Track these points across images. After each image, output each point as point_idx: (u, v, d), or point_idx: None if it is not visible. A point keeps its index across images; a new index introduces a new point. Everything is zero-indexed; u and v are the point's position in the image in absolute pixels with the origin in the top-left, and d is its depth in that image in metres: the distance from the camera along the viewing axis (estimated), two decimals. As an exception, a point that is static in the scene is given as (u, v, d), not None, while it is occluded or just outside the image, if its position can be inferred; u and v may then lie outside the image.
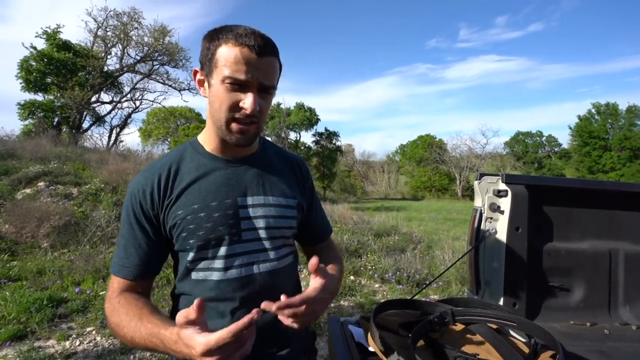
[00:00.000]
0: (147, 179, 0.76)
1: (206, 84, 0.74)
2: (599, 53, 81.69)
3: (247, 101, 0.69)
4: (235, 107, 0.70)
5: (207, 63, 0.72)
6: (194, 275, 0.77)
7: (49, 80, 12.69)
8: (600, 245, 1.48)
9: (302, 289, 0.86)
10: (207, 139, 0.80)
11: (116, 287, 0.75)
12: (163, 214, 0.76)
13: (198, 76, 0.76)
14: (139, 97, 15.47)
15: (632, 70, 70.92)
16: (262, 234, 0.79)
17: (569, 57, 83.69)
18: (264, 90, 0.72)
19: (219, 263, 0.76)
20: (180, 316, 0.56)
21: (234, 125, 0.72)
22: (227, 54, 0.68)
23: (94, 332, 2.60)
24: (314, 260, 0.64)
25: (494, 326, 1.08)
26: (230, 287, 0.75)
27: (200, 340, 0.54)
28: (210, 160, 0.79)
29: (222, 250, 0.76)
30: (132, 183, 0.77)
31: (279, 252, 0.82)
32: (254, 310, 0.54)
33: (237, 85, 0.69)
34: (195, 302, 0.54)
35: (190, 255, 0.76)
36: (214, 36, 0.71)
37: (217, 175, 0.78)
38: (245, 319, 0.53)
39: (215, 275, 0.76)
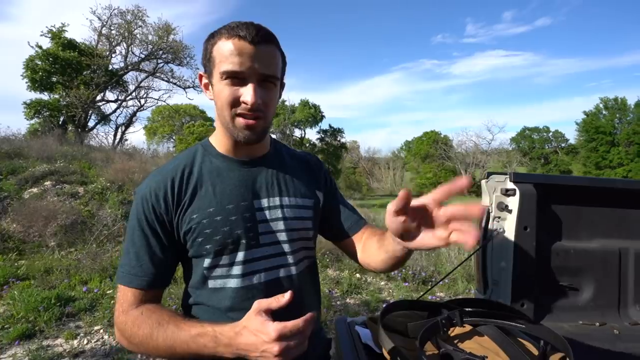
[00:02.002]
0: (159, 182, 0.72)
1: (210, 86, 0.72)
2: (608, 47, 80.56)
3: (247, 93, 0.66)
4: (236, 102, 0.67)
5: (207, 64, 0.70)
6: (211, 283, 0.73)
7: (54, 79, 12.81)
8: (610, 244, 1.46)
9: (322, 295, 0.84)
10: (219, 141, 0.78)
11: (130, 299, 0.69)
12: (177, 219, 0.72)
13: (203, 80, 0.74)
14: (144, 96, 15.58)
15: (642, 63, 69.74)
16: (281, 236, 0.76)
17: (577, 52, 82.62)
18: (266, 80, 0.68)
19: (237, 269, 0.72)
20: (263, 303, 0.58)
21: (239, 121, 0.69)
22: (221, 48, 0.66)
23: (101, 330, 2.63)
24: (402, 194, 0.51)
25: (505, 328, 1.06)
26: (250, 294, 0.71)
27: (275, 326, 0.55)
28: (222, 161, 0.76)
29: (240, 256, 0.72)
30: (143, 187, 0.73)
31: (297, 255, 0.79)
32: (309, 314, 0.57)
33: (236, 79, 0.66)
34: (288, 294, 0.58)
35: (207, 261, 0.72)
36: (211, 36, 0.69)
37: (232, 177, 0.75)
38: (309, 315, 0.57)
39: (233, 283, 0.72)
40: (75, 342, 2.47)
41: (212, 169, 0.75)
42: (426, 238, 0.55)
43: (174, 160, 0.77)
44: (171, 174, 0.73)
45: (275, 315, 0.69)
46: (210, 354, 0.61)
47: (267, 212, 0.75)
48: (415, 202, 0.53)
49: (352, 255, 0.92)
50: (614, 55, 78.59)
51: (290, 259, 0.77)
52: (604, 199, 1.45)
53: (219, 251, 0.71)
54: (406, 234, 0.57)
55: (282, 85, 0.78)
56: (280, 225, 0.76)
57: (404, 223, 0.54)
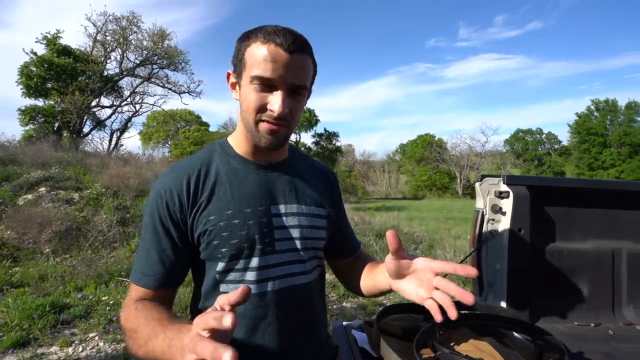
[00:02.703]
0: (175, 179, 0.70)
1: (237, 86, 0.71)
2: (598, 50, 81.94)
3: (275, 102, 0.65)
4: (263, 108, 0.66)
5: (238, 64, 0.69)
6: (223, 287, 0.70)
7: (49, 85, 12.76)
8: (603, 245, 1.48)
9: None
10: (238, 142, 0.76)
11: (134, 296, 0.69)
12: (192, 219, 0.69)
13: (231, 79, 0.73)
14: (139, 101, 15.56)
15: (632, 66, 71.23)
16: (297, 244, 0.75)
17: (568, 55, 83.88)
18: (294, 90, 0.67)
19: (251, 275, 0.70)
20: (222, 299, 0.46)
21: (263, 126, 0.68)
22: (255, 52, 0.65)
23: (96, 337, 2.60)
24: (392, 239, 0.61)
25: (502, 331, 1.07)
26: (263, 301, 0.70)
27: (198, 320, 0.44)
28: (241, 163, 0.75)
29: (255, 261, 0.70)
30: (158, 183, 0.71)
31: (311, 263, 0.79)
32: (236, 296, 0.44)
33: (265, 85, 0.65)
34: (242, 288, 0.45)
35: (221, 265, 0.70)
36: (245, 36, 0.68)
37: (250, 180, 0.74)
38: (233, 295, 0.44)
39: None
40: (70, 349, 2.44)
41: (230, 171, 0.73)
42: (409, 289, 0.66)
43: (191, 158, 0.76)
44: (188, 172, 0.71)
45: (286, 324, 0.72)
46: (175, 355, 0.49)
47: (284, 219, 0.74)
48: (424, 263, 0.65)
49: (339, 274, 0.96)
50: (603, 59, 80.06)
51: (305, 267, 0.76)
52: (596, 200, 1.47)
53: (235, 255, 0.69)
54: (397, 275, 0.67)
55: (310, 93, 0.77)
56: (296, 232, 0.75)
57: (397, 264, 0.66)
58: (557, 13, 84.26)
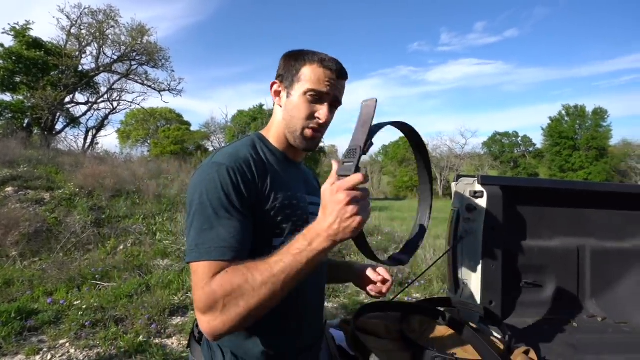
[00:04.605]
0: (243, 157, 0.75)
1: (283, 94, 0.84)
2: (569, 58, 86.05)
3: (322, 111, 0.81)
4: (311, 116, 0.81)
5: (290, 77, 0.82)
6: None
7: (18, 79, 12.06)
8: (569, 242, 1.55)
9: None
10: (277, 139, 0.87)
11: (211, 272, 0.64)
12: (261, 194, 0.75)
13: (275, 87, 0.86)
14: (117, 98, 14.95)
15: (599, 75, 75.48)
16: None
17: (542, 62, 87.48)
18: (334, 105, 0.84)
19: None
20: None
21: (307, 132, 0.82)
22: (313, 72, 0.80)
23: (67, 344, 2.49)
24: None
25: (475, 326, 1.11)
26: None
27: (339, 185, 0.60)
28: (282, 156, 0.86)
29: None
30: (223, 160, 0.73)
31: None
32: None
33: (316, 98, 0.80)
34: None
35: (279, 240, 0.76)
36: (299, 57, 0.82)
37: (291, 171, 0.86)
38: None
39: None
40: (38, 357, 2.32)
41: (276, 160, 0.84)
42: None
43: (238, 144, 0.82)
44: (248, 153, 0.78)
45: (314, 292, 0.88)
46: (310, 259, 0.61)
47: (311, 207, 0.86)
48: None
49: None
50: (574, 66, 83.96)
51: None
52: (565, 200, 1.54)
53: (292, 231, 0.77)
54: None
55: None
56: None
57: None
58: (532, 22, 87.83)
